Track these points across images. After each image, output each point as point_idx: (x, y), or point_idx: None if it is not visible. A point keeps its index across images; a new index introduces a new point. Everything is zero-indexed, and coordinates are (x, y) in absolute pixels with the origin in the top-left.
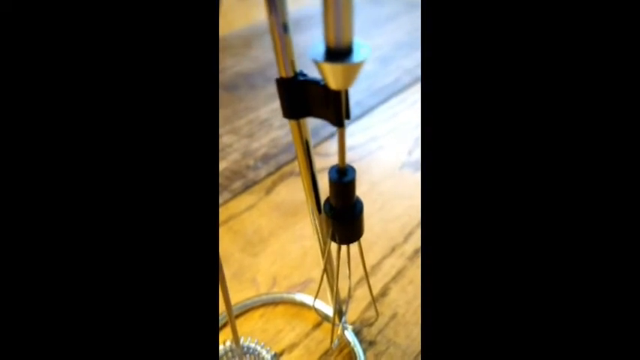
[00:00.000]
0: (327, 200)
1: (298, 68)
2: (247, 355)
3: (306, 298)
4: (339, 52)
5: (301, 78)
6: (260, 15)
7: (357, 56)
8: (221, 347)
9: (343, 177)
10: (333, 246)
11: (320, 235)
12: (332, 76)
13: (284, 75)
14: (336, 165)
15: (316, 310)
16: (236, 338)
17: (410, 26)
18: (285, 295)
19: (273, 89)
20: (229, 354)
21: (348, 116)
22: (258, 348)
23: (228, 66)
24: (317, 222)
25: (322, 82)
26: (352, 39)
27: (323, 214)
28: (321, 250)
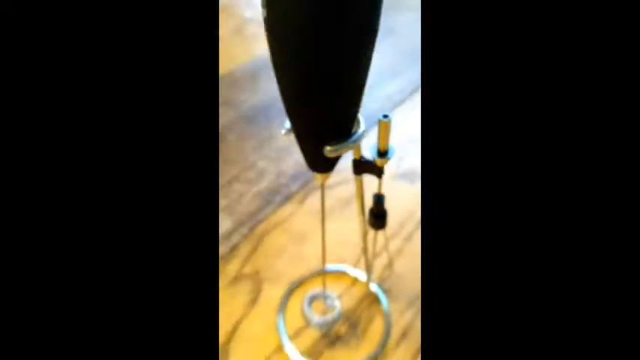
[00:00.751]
0: (370, 209)
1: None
2: (326, 299)
3: (344, 268)
4: (383, 152)
5: (363, 160)
6: (260, 49)
7: (390, 154)
8: (311, 292)
9: (380, 199)
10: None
11: (364, 226)
12: (378, 162)
13: (356, 157)
14: (377, 193)
15: (352, 275)
16: (324, 286)
17: (389, 52)
18: (329, 268)
19: (285, 119)
20: (315, 298)
21: (383, 172)
22: (329, 292)
23: (243, 100)
24: (362, 219)
25: (373, 162)
26: (389, 146)
27: (366, 216)
28: (362, 236)
